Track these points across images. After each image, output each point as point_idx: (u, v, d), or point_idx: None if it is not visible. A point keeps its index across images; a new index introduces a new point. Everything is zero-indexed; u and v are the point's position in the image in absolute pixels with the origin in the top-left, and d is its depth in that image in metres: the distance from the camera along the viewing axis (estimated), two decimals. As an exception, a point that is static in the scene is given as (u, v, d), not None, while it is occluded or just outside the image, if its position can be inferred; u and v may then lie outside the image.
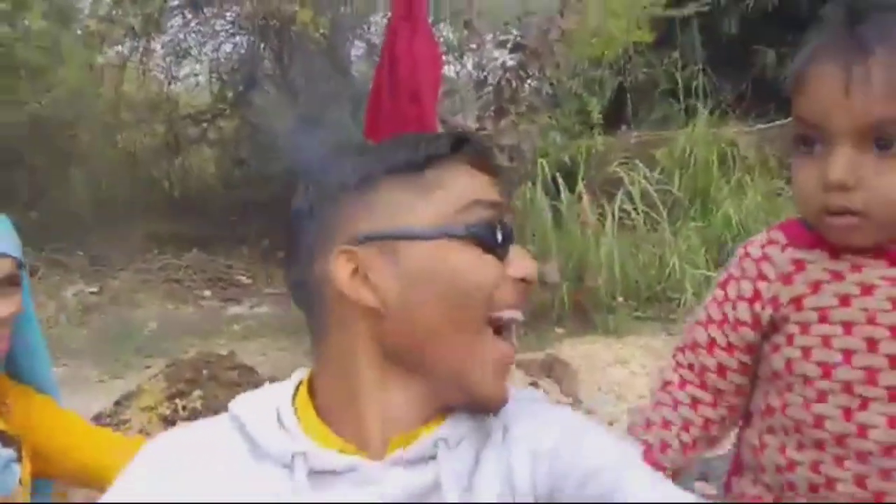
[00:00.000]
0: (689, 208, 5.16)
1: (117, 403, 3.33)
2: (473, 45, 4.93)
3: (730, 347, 0.85)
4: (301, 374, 0.72)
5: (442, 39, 6.67)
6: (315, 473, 0.62)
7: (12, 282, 1.00)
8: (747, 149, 6.09)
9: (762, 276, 0.82)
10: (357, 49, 7.91)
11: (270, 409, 0.67)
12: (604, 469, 0.63)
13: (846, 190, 0.69)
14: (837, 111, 0.69)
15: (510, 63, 4.45)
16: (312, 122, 7.50)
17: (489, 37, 5.67)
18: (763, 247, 0.84)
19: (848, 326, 0.74)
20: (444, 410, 0.67)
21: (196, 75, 8.78)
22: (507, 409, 0.68)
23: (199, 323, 4.98)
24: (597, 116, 6.45)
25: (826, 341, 0.75)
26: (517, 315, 0.67)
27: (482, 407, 0.67)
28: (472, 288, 0.63)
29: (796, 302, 0.78)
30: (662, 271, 4.52)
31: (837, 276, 0.76)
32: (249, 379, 3.29)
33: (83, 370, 4.16)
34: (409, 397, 0.65)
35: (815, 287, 0.76)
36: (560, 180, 4.86)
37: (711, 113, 6.65)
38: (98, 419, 3.21)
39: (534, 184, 4.80)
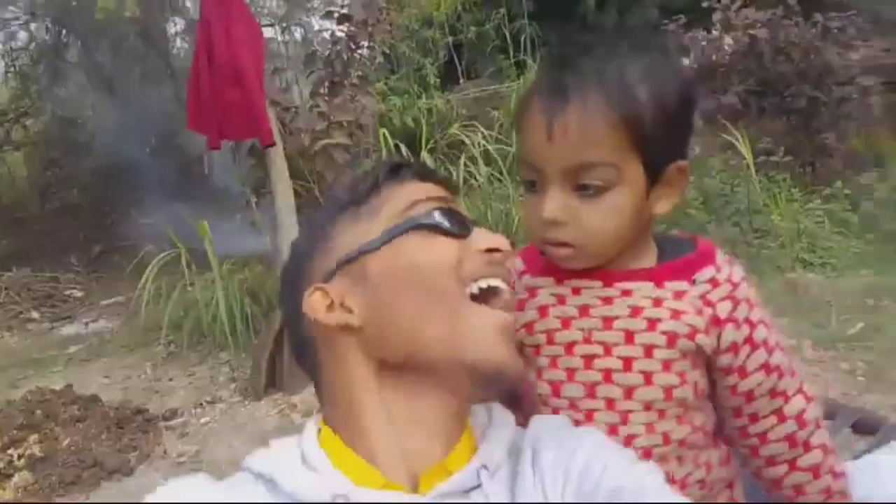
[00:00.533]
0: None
1: (-61, 462, 2.92)
2: (299, 17, 4.68)
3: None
4: (317, 418, 0.71)
5: (266, 11, 6.31)
6: None
7: None
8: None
9: None
10: (177, 25, 7.31)
11: (295, 455, 0.65)
12: (626, 488, 0.64)
13: (559, 225, 0.75)
14: (545, 155, 0.74)
15: (339, 35, 4.26)
16: (128, 106, 6.89)
17: (315, 4, 5.43)
18: None
19: (569, 347, 0.80)
20: (463, 414, 0.68)
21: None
22: (535, 434, 0.69)
23: (29, 350, 4.47)
24: (433, 78, 6.42)
25: (553, 362, 0.81)
26: (495, 282, 0.69)
27: (494, 378, 0.67)
28: (433, 267, 0.66)
29: (528, 327, 0.82)
30: (510, 226, 4.61)
31: (561, 300, 0.82)
32: (93, 411, 3.00)
33: None
34: (425, 407, 0.66)
35: (543, 311, 0.82)
36: (403, 149, 4.79)
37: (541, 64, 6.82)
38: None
39: (378, 156, 4.69)
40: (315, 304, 0.67)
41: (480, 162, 4.88)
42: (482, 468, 0.64)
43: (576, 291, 0.81)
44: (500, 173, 4.87)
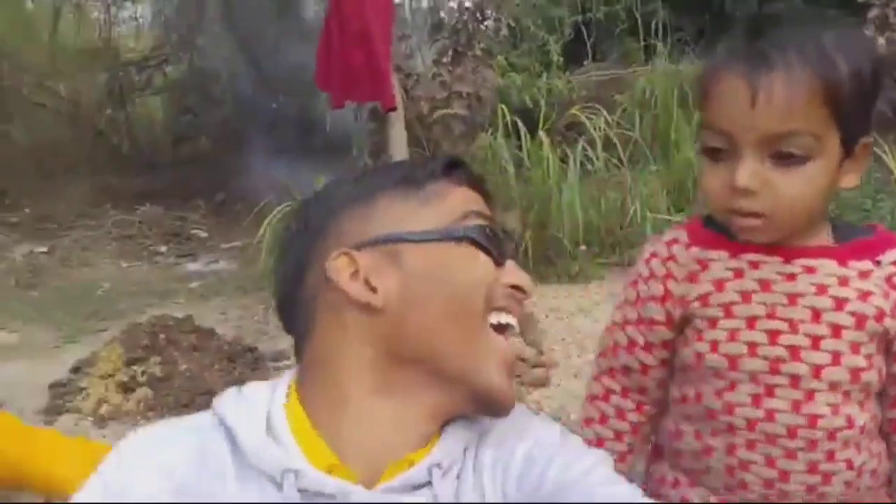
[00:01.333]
0: (649, 152, 5.12)
1: (74, 371, 3.26)
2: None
3: (648, 346, 0.91)
4: (290, 375, 0.70)
5: (396, -22, 6.41)
6: (305, 492, 0.60)
7: None
8: (708, 87, 6.04)
9: (670, 275, 0.88)
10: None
11: (260, 414, 0.64)
12: (570, 485, 0.62)
13: (751, 194, 0.75)
14: (744, 122, 0.73)
15: (467, 5, 4.29)
16: (260, 63, 7.23)
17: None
18: (669, 245, 0.89)
19: (751, 321, 0.80)
20: (443, 421, 0.67)
21: (138, 18, 8.34)
22: (483, 431, 0.68)
23: (155, 282, 4.85)
24: (556, 56, 6.33)
25: (732, 335, 0.81)
26: (512, 320, 0.68)
27: (492, 407, 0.66)
28: (470, 285, 0.65)
29: (702, 299, 0.83)
30: (624, 217, 4.52)
31: (738, 274, 0.81)
32: (209, 343, 3.23)
33: (36, 336, 4.02)
34: (410, 406, 0.65)
35: (719, 285, 0.82)
36: (521, 126, 4.77)
37: (671, 51, 6.58)
38: (54, 388, 3.14)
39: (494, 131, 4.71)
40: (340, 267, 0.65)
41: (599, 146, 4.79)
42: (434, 466, 0.63)
43: (754, 265, 0.81)
44: (619, 160, 4.77)
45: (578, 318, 3.75)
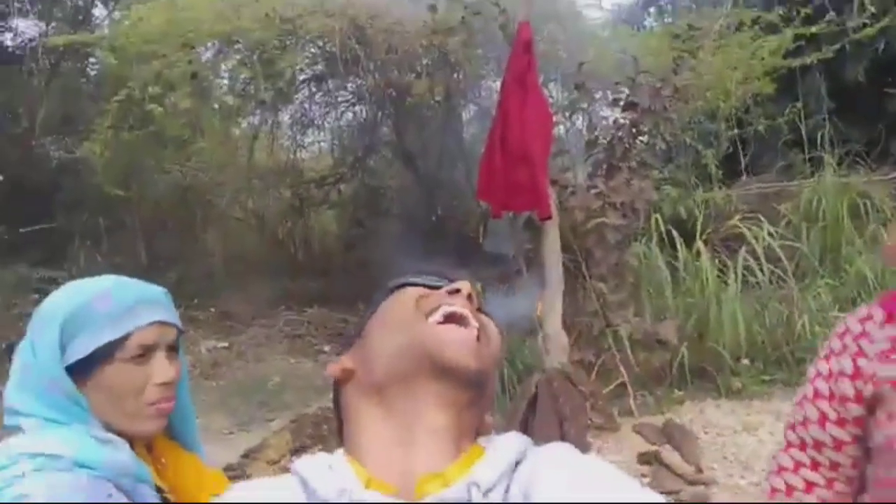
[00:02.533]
0: (818, 265, 4.86)
1: (244, 456, 3.51)
2: (584, 105, 4.98)
3: (841, 421, 0.89)
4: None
5: (552, 100, 6.78)
6: None
7: (174, 348, 1.12)
8: (882, 199, 5.70)
9: (861, 353, 0.87)
10: (469, 112, 8.18)
11: (325, 461, 0.73)
12: None
13: None
14: None
15: (622, 121, 4.45)
16: (423, 179, 7.79)
17: (598, 95, 5.71)
18: (863, 322, 0.88)
19: None
20: (457, 431, 0.71)
21: (319, 143, 9.37)
22: (528, 460, 0.70)
23: (320, 377, 5.18)
24: (713, 169, 6.28)
25: None
26: (458, 309, 0.75)
27: (451, 369, 0.71)
28: (397, 305, 0.78)
29: (894, 382, 0.80)
30: (791, 331, 4.26)
31: None
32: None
33: (213, 422, 4.40)
34: (409, 427, 0.71)
35: None
36: (676, 235, 4.74)
37: (839, 163, 6.31)
38: (226, 471, 3.40)
39: (649, 240, 4.71)
40: (331, 369, 0.80)
41: (763, 258, 4.63)
42: (473, 485, 0.65)
43: None
44: (783, 273, 4.57)
45: (741, 437, 3.52)
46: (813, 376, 0.94)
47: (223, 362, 5.90)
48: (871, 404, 0.86)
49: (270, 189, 8.69)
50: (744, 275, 4.57)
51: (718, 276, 4.63)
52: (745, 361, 4.26)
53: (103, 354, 1.03)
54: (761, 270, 4.53)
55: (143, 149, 6.21)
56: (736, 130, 6.70)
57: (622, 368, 4.16)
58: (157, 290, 1.12)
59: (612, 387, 4.11)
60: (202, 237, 8.41)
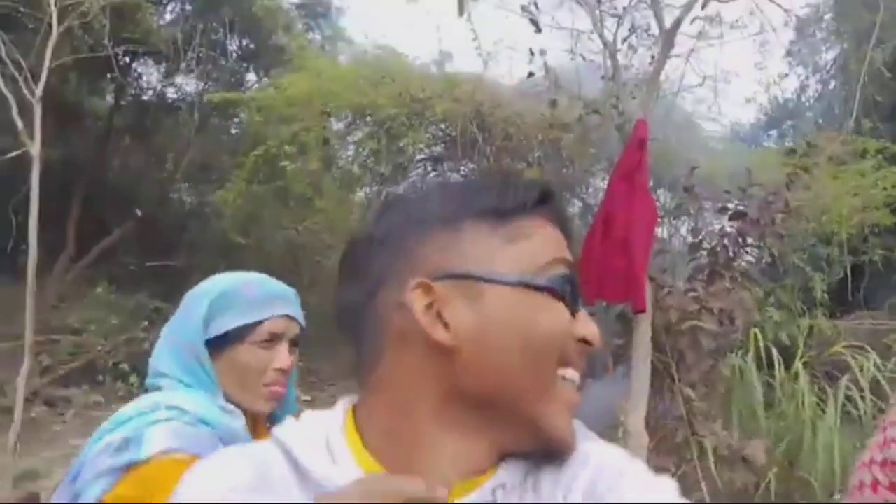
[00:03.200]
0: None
1: None
2: (691, 210, 5.01)
3: (893, 486, 0.93)
4: (347, 402, 0.70)
5: (658, 204, 6.84)
6: None
7: (295, 343, 1.27)
8: None
9: None
10: (574, 206, 8.33)
11: (319, 437, 0.65)
12: None
13: None
14: None
15: (728, 230, 4.44)
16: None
17: (707, 204, 5.73)
18: None
19: None
20: (502, 456, 0.65)
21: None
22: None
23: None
24: (821, 295, 6.06)
25: None
26: (575, 377, 0.67)
27: (555, 452, 0.65)
28: (548, 336, 0.63)
29: None
30: (893, 473, 3.98)
31: None
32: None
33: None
34: (471, 441, 0.63)
35: None
36: (775, 353, 4.58)
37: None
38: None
39: (745, 354, 4.58)
40: (417, 297, 0.62)
41: (867, 389, 4.39)
42: (499, 487, 0.62)
43: None
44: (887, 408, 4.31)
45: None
46: (871, 444, 0.98)
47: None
48: None
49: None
50: (844, 405, 4.33)
51: (817, 404, 4.41)
52: (838, 497, 3.99)
53: (239, 334, 1.20)
54: (864, 402, 4.29)
55: (269, 202, 6.72)
56: (849, 258, 6.47)
57: (702, 483, 3.99)
58: (290, 290, 1.29)
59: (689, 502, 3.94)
60: (305, 294, 8.79)
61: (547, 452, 0.64)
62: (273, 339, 1.22)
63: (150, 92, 9.45)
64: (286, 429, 0.66)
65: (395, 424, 0.64)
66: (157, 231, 8.59)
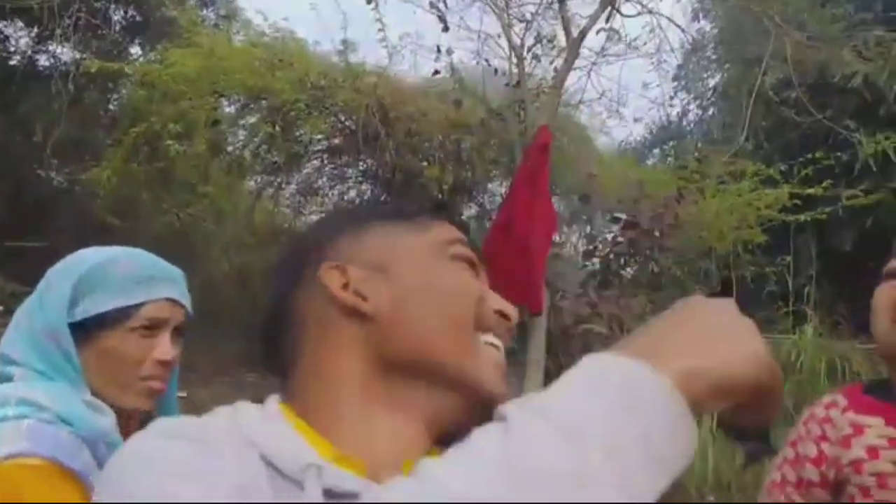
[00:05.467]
0: (794, 414, 4.86)
1: None
2: (585, 217, 5.12)
3: None
4: (273, 400, 0.65)
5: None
6: (328, 493, 0.54)
7: (180, 332, 1.10)
8: (861, 365, 5.79)
9: (824, 437, 0.91)
10: (470, 209, 8.36)
11: (258, 417, 0.61)
12: None
13: None
14: None
15: (620, 239, 4.57)
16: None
17: (598, 214, 5.89)
18: (827, 408, 0.94)
19: None
20: (439, 433, 0.63)
21: (320, 213, 9.48)
22: None
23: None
24: (699, 307, 6.36)
25: None
26: (498, 343, 0.73)
27: (486, 405, 0.60)
28: (462, 295, 0.65)
29: (855, 465, 0.83)
30: (759, 476, 4.21)
31: (893, 443, 0.82)
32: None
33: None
34: (407, 416, 0.62)
35: (873, 452, 0.82)
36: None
37: (822, 322, 6.44)
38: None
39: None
40: (332, 277, 0.65)
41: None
42: None
43: None
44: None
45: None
46: (780, 462, 0.97)
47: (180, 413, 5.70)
48: (835, 489, 0.88)
49: (261, 249, 8.68)
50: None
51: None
52: (711, 498, 4.17)
53: (112, 319, 1.02)
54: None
55: (150, 184, 6.26)
56: (727, 272, 6.86)
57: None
58: (175, 270, 1.12)
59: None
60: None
61: (482, 414, 0.59)
62: (153, 325, 1.04)
63: (18, 57, 8.60)
64: (222, 412, 0.61)
65: (330, 410, 0.62)
66: (20, 210, 7.81)
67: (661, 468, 0.44)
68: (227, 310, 8.33)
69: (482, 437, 0.46)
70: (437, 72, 5.11)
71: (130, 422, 1.07)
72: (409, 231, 0.68)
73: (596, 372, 0.48)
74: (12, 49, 8.65)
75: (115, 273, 1.03)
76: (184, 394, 6.37)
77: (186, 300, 1.11)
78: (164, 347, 1.05)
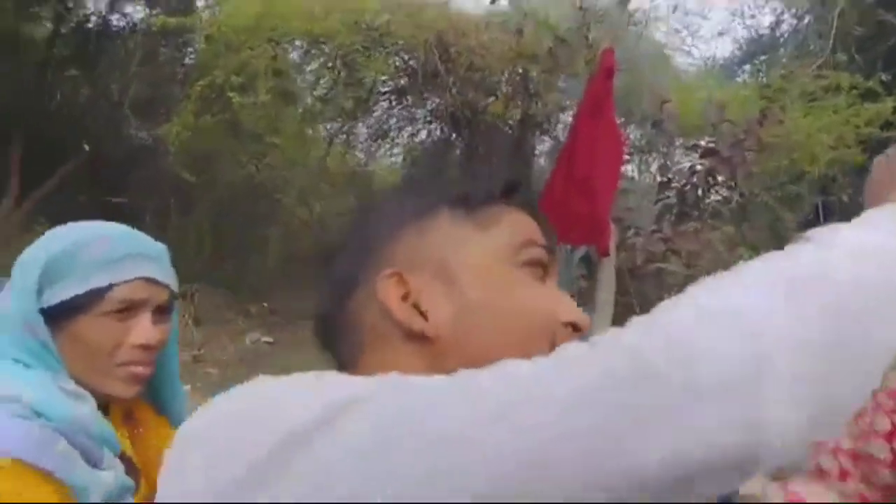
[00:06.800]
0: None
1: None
2: (660, 147, 4.82)
3: (865, 479, 0.83)
4: None
5: (628, 140, 6.62)
6: None
7: (164, 311, 1.04)
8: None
9: None
10: (544, 144, 8.09)
11: None
12: None
13: None
14: None
15: (698, 168, 4.27)
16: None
17: (678, 142, 5.53)
18: None
19: None
20: None
21: (392, 156, 9.46)
22: None
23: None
24: (792, 234, 5.96)
25: None
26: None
27: None
28: (531, 313, 0.60)
29: None
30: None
31: None
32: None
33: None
34: None
35: None
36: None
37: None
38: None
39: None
40: (390, 287, 0.60)
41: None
42: None
43: None
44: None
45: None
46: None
47: (266, 355, 5.94)
48: None
49: (337, 196, 8.78)
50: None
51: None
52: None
53: (82, 304, 0.97)
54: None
55: (219, 137, 6.37)
56: (820, 197, 6.37)
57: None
58: (154, 246, 1.05)
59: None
60: (265, 233, 8.57)
61: None
62: (129, 307, 0.98)
63: (94, 19, 8.82)
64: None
65: None
66: (107, 167, 8.17)
67: None
68: (307, 256, 8.54)
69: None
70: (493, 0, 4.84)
71: (115, 407, 1.03)
72: (477, 230, 0.63)
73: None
74: (89, 12, 8.89)
75: (82, 256, 0.97)
76: (271, 339, 6.64)
77: (169, 277, 1.04)
78: (143, 330, 0.99)
